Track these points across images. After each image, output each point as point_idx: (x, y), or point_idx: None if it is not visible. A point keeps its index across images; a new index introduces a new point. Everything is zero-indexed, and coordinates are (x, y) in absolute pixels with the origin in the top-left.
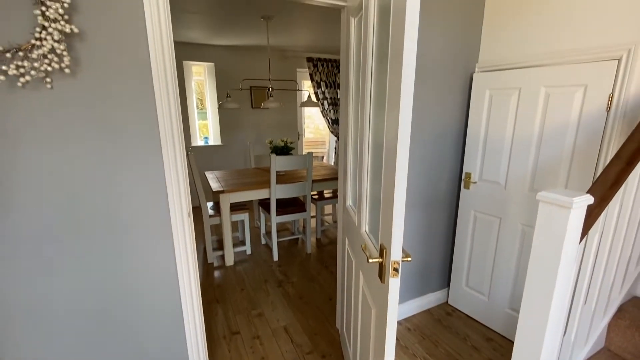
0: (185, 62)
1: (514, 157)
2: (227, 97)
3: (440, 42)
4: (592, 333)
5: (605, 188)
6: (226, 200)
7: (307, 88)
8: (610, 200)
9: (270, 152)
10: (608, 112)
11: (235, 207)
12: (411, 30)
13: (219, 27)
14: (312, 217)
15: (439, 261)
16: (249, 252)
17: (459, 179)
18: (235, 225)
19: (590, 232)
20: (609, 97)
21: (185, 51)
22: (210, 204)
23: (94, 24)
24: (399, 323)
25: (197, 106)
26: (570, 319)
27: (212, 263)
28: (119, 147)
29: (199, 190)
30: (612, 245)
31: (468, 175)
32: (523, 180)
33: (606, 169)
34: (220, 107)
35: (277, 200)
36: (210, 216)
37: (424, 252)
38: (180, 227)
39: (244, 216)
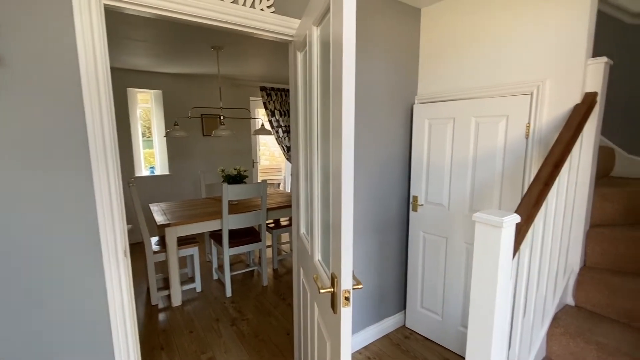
0: (129, 90)
1: (454, 180)
2: (174, 125)
3: (385, 76)
4: (533, 344)
5: (529, 207)
6: (172, 234)
7: (261, 116)
8: (535, 217)
9: (223, 181)
10: (527, 138)
11: (184, 241)
12: (349, 63)
13: (167, 55)
14: (269, 246)
15: (394, 284)
16: (199, 289)
17: (407, 203)
18: (183, 261)
19: (522, 247)
20: (527, 126)
21: (129, 78)
22: (155, 239)
23: (17, 48)
24: (359, 352)
25: (143, 134)
26: (512, 332)
27: (157, 305)
28: (40, 181)
29: (141, 225)
30: (542, 258)
31: (415, 198)
32: (463, 202)
33: (529, 190)
34: (166, 135)
35: (231, 231)
36: (155, 252)
37: (379, 276)
38: (114, 268)
39: (193, 250)
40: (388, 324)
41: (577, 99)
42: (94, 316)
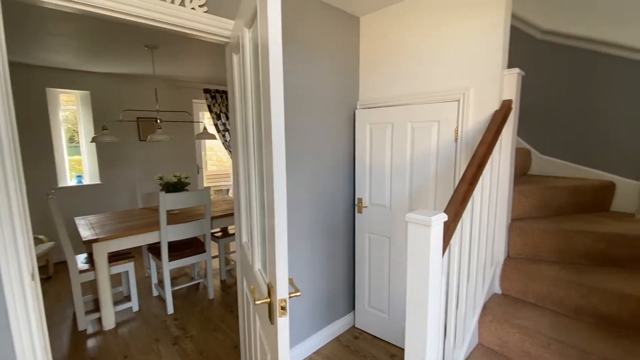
0: (50, 90)
1: (394, 182)
2: (102, 129)
3: (327, 82)
4: (466, 333)
5: (456, 205)
6: (102, 250)
7: (206, 119)
8: (462, 215)
9: (161, 190)
10: (456, 142)
11: (117, 257)
12: (276, 67)
13: (94, 52)
14: (215, 257)
15: (343, 286)
16: (136, 308)
17: (353, 205)
18: (118, 279)
19: (451, 243)
20: (456, 130)
21: (49, 77)
22: (82, 257)
23: None
24: (309, 358)
25: (71, 140)
26: (447, 323)
27: (86, 330)
28: None
29: (63, 242)
30: (470, 252)
31: (360, 200)
32: (403, 202)
33: (456, 190)
34: (93, 141)
35: (172, 243)
36: (83, 271)
37: (328, 279)
38: (19, 295)
39: (128, 266)
40: (338, 326)
41: (496, 105)
42: None
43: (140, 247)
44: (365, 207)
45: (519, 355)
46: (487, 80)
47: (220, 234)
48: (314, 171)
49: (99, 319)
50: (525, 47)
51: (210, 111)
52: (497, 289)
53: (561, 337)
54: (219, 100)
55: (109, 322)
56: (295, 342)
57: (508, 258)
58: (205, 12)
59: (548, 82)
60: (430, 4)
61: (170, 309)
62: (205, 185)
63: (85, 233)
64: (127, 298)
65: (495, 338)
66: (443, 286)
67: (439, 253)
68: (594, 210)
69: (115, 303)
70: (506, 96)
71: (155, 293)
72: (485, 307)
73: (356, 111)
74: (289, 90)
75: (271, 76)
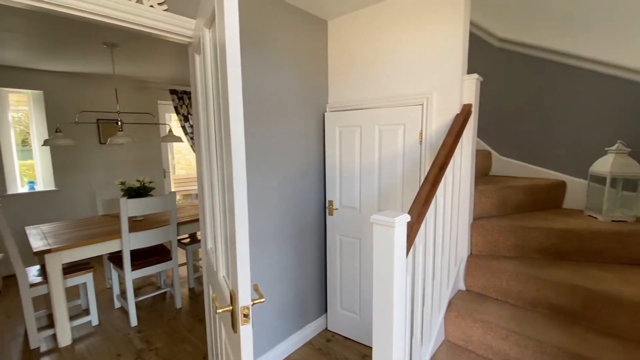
0: None
1: (363, 184)
2: (56, 131)
3: (296, 85)
4: (433, 330)
5: (420, 206)
6: (56, 261)
7: (173, 121)
8: (425, 215)
9: (122, 195)
10: (421, 144)
11: (73, 268)
12: (234, 66)
13: (48, 50)
14: (183, 264)
15: (315, 289)
16: (95, 322)
17: (324, 207)
18: (75, 291)
19: (416, 242)
20: (420, 133)
21: None
22: (35, 269)
23: None
24: None
25: (20, 143)
26: (414, 321)
27: (39, 348)
28: None
29: (11, 254)
30: (435, 251)
31: (331, 202)
32: (372, 203)
33: (419, 191)
34: (45, 144)
35: (136, 252)
36: (34, 285)
37: (299, 283)
38: None
39: (86, 277)
40: (310, 330)
41: (457, 109)
42: None
43: (101, 257)
44: (336, 209)
45: (481, 348)
46: (448, 85)
47: (188, 240)
48: (283, 174)
49: (54, 336)
50: (484, 53)
51: (178, 113)
52: (462, 286)
53: (519, 328)
54: (186, 101)
55: (64, 339)
56: (265, 349)
57: (471, 255)
58: (165, 10)
59: (505, 88)
60: (394, 11)
61: (133, 321)
62: (173, 189)
63: (37, 243)
64: (86, 311)
65: (460, 333)
66: (409, 285)
67: (403, 253)
68: (548, 207)
69: (72, 317)
70: (466, 100)
71: (117, 305)
72: (450, 304)
73: (325, 114)
74: (256, 92)
75: (229, 77)
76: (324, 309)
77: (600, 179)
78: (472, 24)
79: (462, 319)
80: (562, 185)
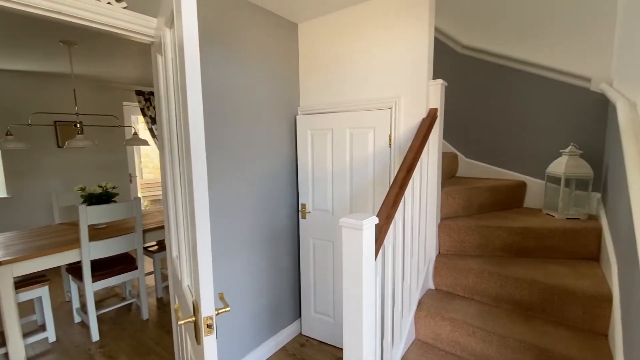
0: None
1: (335, 187)
2: (6, 134)
3: (267, 88)
4: (403, 330)
5: (388, 208)
6: (6, 275)
7: (140, 123)
8: (394, 217)
9: (82, 202)
10: (390, 147)
11: (27, 281)
12: (192, 64)
13: None
14: (150, 273)
15: (288, 293)
16: (53, 338)
17: (297, 211)
18: (29, 307)
19: (385, 244)
20: (389, 137)
21: None
22: None
23: None
24: None
25: None
26: (384, 323)
27: None
28: None
29: None
30: (404, 251)
31: (304, 206)
32: (344, 206)
33: (388, 193)
34: None
35: (98, 262)
36: None
37: (272, 288)
38: None
39: (42, 291)
40: (285, 335)
41: (423, 113)
42: None
43: (59, 268)
44: (309, 212)
45: (450, 345)
46: (415, 90)
47: (156, 247)
48: (254, 178)
49: (6, 355)
50: (449, 60)
51: (144, 115)
52: (431, 285)
53: (484, 324)
54: (153, 103)
55: (17, 357)
56: (237, 358)
57: (439, 255)
58: (124, 8)
59: (469, 93)
60: (363, 17)
61: (95, 336)
62: (139, 195)
63: None
64: (42, 327)
65: (429, 332)
66: (378, 286)
67: (372, 255)
68: (510, 207)
69: (27, 334)
70: (432, 105)
71: (77, 319)
72: (420, 303)
73: (297, 117)
74: (225, 94)
75: (187, 76)
76: (298, 313)
77: (555, 180)
78: (438, 31)
79: (431, 317)
80: (522, 186)
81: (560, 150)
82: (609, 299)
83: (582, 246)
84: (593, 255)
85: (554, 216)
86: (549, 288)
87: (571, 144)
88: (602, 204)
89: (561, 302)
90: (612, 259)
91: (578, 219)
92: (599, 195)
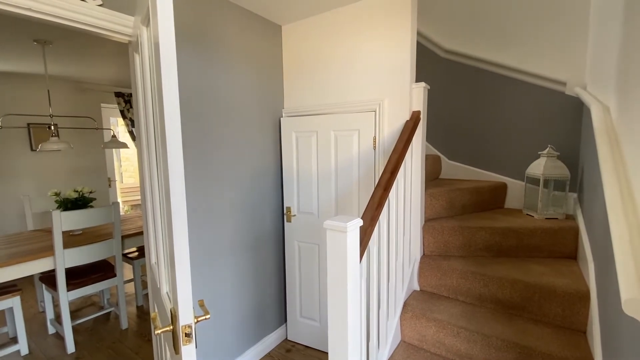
0: None
1: (321, 189)
2: None
3: (250, 90)
4: (389, 332)
5: (373, 210)
6: None
7: (120, 126)
8: (378, 218)
9: (57, 207)
10: (375, 149)
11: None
12: (169, 62)
13: None
14: (129, 281)
15: (273, 298)
16: (25, 351)
17: (282, 214)
18: (1, 318)
19: (370, 245)
20: (374, 139)
21: None
22: None
23: None
24: None
25: None
26: (370, 324)
27: None
28: None
29: None
30: (389, 253)
31: (289, 209)
32: (329, 208)
33: (372, 195)
34: None
35: (74, 269)
36: None
37: (256, 293)
38: None
39: (13, 302)
40: (270, 341)
41: (406, 116)
42: None
43: (31, 277)
44: (294, 215)
45: (435, 346)
46: (398, 93)
47: (136, 254)
48: (238, 181)
49: None
50: (432, 63)
51: (124, 117)
52: (416, 286)
53: (468, 324)
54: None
55: None
56: None
57: (424, 256)
58: (99, 5)
59: (452, 96)
60: (346, 19)
61: (70, 348)
62: (119, 199)
63: None
64: (14, 340)
65: (415, 333)
66: (363, 289)
67: (356, 257)
68: (491, 208)
69: None
70: (415, 107)
71: (52, 330)
72: (405, 305)
73: (281, 119)
74: (206, 95)
75: (163, 75)
76: (283, 318)
77: (534, 180)
78: (421, 35)
79: (416, 319)
80: (503, 187)
81: (539, 152)
82: (586, 296)
83: (560, 245)
84: (571, 253)
85: (533, 216)
86: (530, 286)
87: (549, 145)
88: (579, 204)
89: (541, 300)
90: (589, 257)
91: (556, 218)
92: (575, 195)
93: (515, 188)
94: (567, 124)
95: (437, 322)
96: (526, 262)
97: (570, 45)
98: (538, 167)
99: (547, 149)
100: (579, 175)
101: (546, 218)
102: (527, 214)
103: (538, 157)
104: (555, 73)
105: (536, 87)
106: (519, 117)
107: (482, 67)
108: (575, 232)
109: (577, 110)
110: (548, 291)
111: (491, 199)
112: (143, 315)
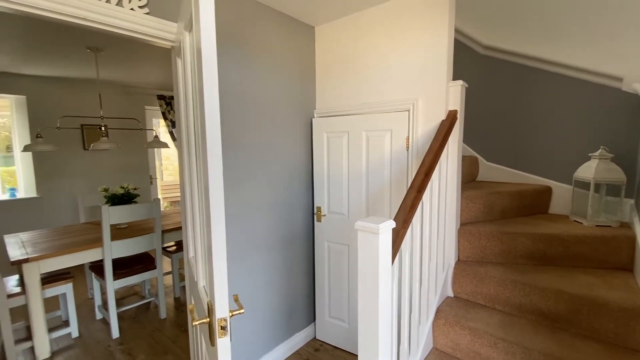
0: None
1: (351, 190)
2: (36, 137)
3: (285, 91)
4: (421, 337)
5: (406, 212)
6: (33, 271)
7: (161, 127)
8: (411, 221)
9: (105, 202)
10: (408, 150)
11: (53, 278)
12: (209, 67)
13: (30, 54)
14: (168, 273)
15: (303, 297)
16: (75, 334)
17: (312, 214)
18: (55, 302)
19: (402, 248)
20: (407, 139)
21: None
22: (14, 278)
23: None
24: None
25: (3, 149)
26: (401, 328)
27: None
28: None
29: None
30: (422, 257)
31: (319, 209)
32: (360, 209)
33: (405, 197)
34: (25, 150)
35: (119, 260)
36: (11, 295)
37: (286, 291)
38: None
39: (66, 288)
40: (299, 339)
41: (442, 115)
42: None
43: (83, 266)
44: (324, 215)
45: (469, 356)
46: (434, 92)
47: (174, 247)
48: (270, 181)
49: (32, 348)
50: (470, 60)
51: (165, 118)
52: (450, 292)
53: (507, 335)
54: (174, 107)
55: (42, 351)
56: None
57: (459, 261)
58: (146, 13)
59: (491, 94)
60: (380, 18)
61: (115, 333)
62: (160, 196)
63: (14, 253)
64: (66, 323)
65: (448, 341)
66: (395, 292)
67: (389, 259)
68: (534, 213)
69: (52, 329)
70: (452, 107)
71: (99, 316)
72: (438, 311)
73: (313, 120)
74: (243, 98)
75: (204, 79)
76: (312, 317)
77: (584, 185)
78: (458, 31)
79: (450, 326)
80: (547, 191)
81: (589, 154)
82: None
83: (613, 255)
84: (626, 265)
85: (582, 223)
86: (577, 298)
87: (601, 146)
88: (636, 211)
89: (591, 314)
90: None
91: (609, 226)
92: (632, 201)
93: (561, 192)
94: (623, 124)
95: (472, 330)
96: (573, 272)
97: (627, 36)
98: (588, 170)
99: (600, 150)
100: (637, 179)
101: (597, 225)
102: (575, 220)
103: (588, 159)
104: (611, 68)
105: (586, 83)
106: (565, 116)
107: (524, 63)
108: (632, 241)
109: (635, 108)
110: (599, 305)
111: (534, 204)
112: (180, 306)
